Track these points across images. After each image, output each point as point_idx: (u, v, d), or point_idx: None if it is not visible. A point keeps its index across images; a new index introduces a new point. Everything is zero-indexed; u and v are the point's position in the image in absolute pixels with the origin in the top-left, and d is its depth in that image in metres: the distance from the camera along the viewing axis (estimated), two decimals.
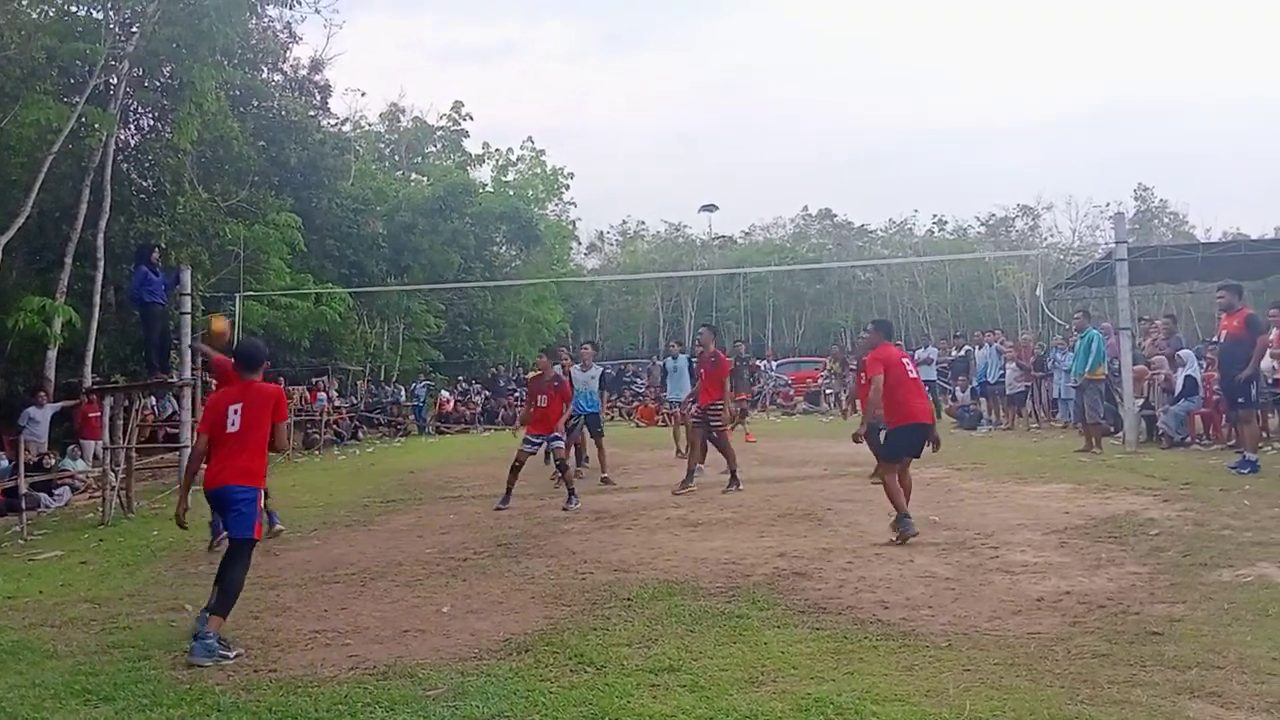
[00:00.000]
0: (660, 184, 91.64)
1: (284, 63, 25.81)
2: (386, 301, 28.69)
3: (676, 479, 11.15)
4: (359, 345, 28.72)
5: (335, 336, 26.23)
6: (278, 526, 8.54)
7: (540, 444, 10.43)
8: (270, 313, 21.06)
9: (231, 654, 5.01)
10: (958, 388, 19.79)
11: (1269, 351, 10.67)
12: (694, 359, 13.23)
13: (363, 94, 73.55)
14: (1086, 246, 47.53)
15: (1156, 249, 21.61)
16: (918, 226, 59.94)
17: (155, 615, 6.13)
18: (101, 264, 16.32)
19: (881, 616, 5.28)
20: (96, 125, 15.81)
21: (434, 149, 41.83)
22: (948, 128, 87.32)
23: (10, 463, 11.60)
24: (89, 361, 16.18)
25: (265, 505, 8.17)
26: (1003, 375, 17.85)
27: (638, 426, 23.35)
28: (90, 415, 14.55)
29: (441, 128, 41.15)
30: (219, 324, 9.01)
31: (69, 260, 15.97)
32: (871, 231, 61.04)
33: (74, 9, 17.06)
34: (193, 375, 12.93)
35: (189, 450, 11.07)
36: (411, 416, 26.48)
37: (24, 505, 10.49)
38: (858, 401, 12.46)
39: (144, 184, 19.46)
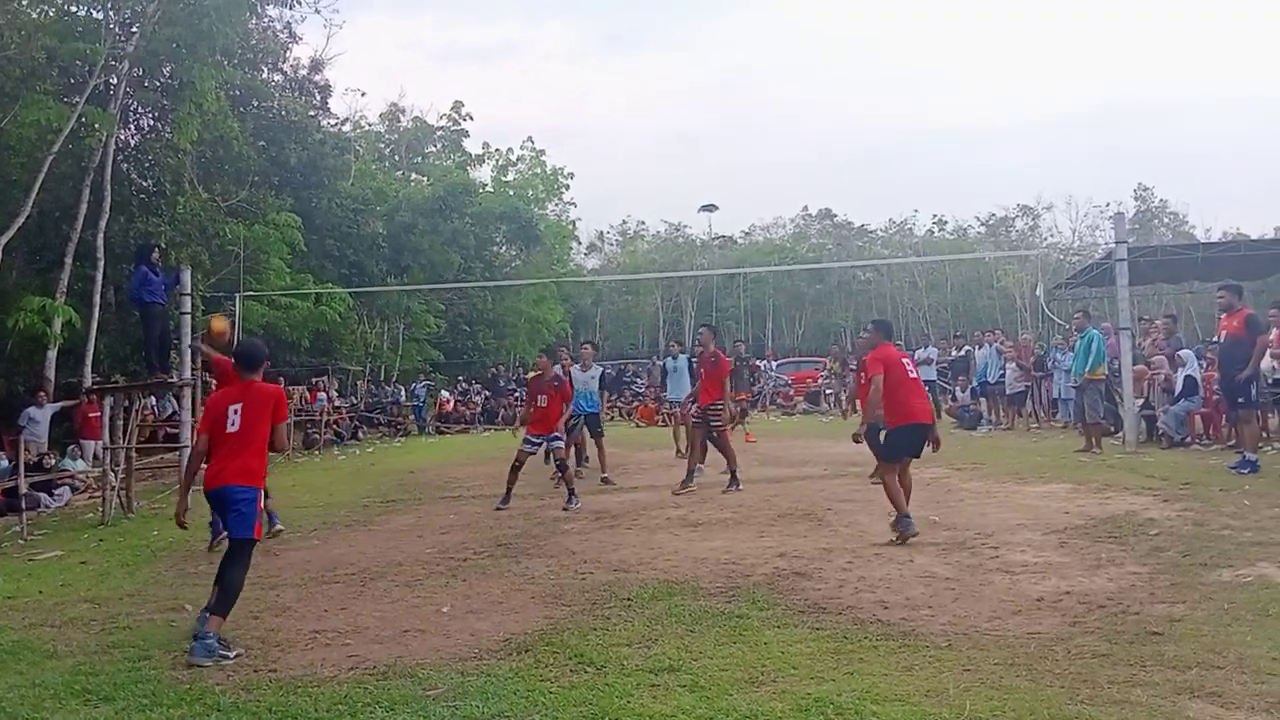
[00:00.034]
0: (660, 184, 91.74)
1: (284, 63, 25.84)
2: (386, 301, 28.69)
3: (676, 479, 11.14)
4: (359, 345, 28.72)
5: (335, 336, 26.24)
6: (277, 526, 8.54)
7: (540, 444, 10.43)
8: (270, 313, 21.08)
9: (231, 654, 5.01)
10: (958, 388, 19.79)
11: (1269, 351, 10.67)
12: (694, 359, 13.23)
13: (363, 94, 73.63)
14: (1086, 246, 47.61)
15: (1156, 249, 21.63)
16: (918, 226, 60.02)
17: (155, 615, 6.14)
18: (101, 264, 16.32)
19: (881, 616, 5.28)
20: (96, 125, 15.81)
21: (434, 149, 41.85)
22: (948, 128, 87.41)
23: (10, 463, 11.61)
24: (89, 361, 16.18)
25: (265, 505, 8.19)
26: (1003, 375, 17.85)
27: (638, 426, 23.35)
28: (90, 415, 14.55)
29: (441, 128, 41.18)
30: (219, 324, 9.01)
31: (69, 260, 15.97)
32: (871, 231, 61.11)
33: (74, 9, 17.07)
34: (193, 375, 12.92)
35: (188, 450, 11.09)
36: (411, 416, 26.48)
37: (24, 505, 10.49)
38: (858, 401, 12.49)
39: (144, 184, 19.47)
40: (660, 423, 21.37)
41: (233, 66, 19.46)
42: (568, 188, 47.05)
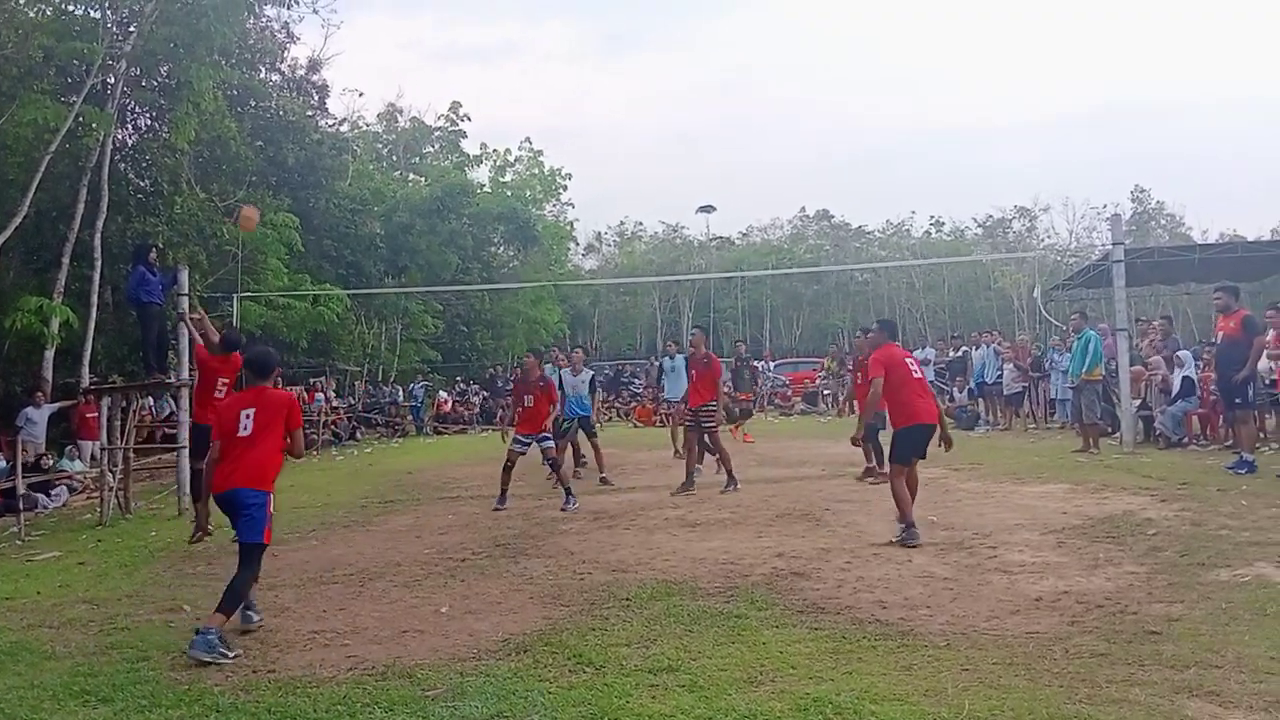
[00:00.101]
0: (659, 184, 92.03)
1: (282, 63, 25.84)
2: (384, 302, 28.68)
3: (674, 479, 11.15)
4: (357, 346, 28.71)
5: (333, 337, 26.22)
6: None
7: (529, 444, 10.42)
8: (268, 313, 21.06)
9: (230, 654, 5.01)
10: (955, 388, 19.82)
11: (1266, 352, 10.69)
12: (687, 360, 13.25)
13: (360, 94, 73.54)
14: (1083, 248, 47.73)
15: (1153, 250, 21.66)
16: (915, 228, 60.15)
17: (153, 616, 6.12)
18: (99, 264, 16.28)
19: (880, 616, 5.29)
20: (94, 125, 15.78)
21: (432, 149, 41.88)
22: (948, 128, 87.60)
23: (8, 463, 11.58)
24: (86, 362, 16.14)
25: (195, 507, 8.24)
26: (1000, 376, 17.89)
27: (635, 427, 23.36)
28: (88, 415, 14.53)
29: (439, 128, 41.22)
30: (249, 212, 8.77)
31: (66, 260, 15.94)
32: (869, 233, 61.22)
33: (71, 8, 17.02)
34: (189, 375, 12.91)
35: (186, 450, 11.08)
36: (409, 417, 26.47)
37: (21, 506, 10.46)
38: (855, 402, 12.51)
39: (141, 184, 19.42)
40: (658, 423, 21.39)
41: (230, 66, 19.42)
42: (565, 188, 47.20)
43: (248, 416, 5.58)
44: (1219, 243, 30.48)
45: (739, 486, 10.58)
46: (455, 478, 13.66)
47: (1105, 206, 50.55)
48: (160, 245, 14.77)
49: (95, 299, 16.30)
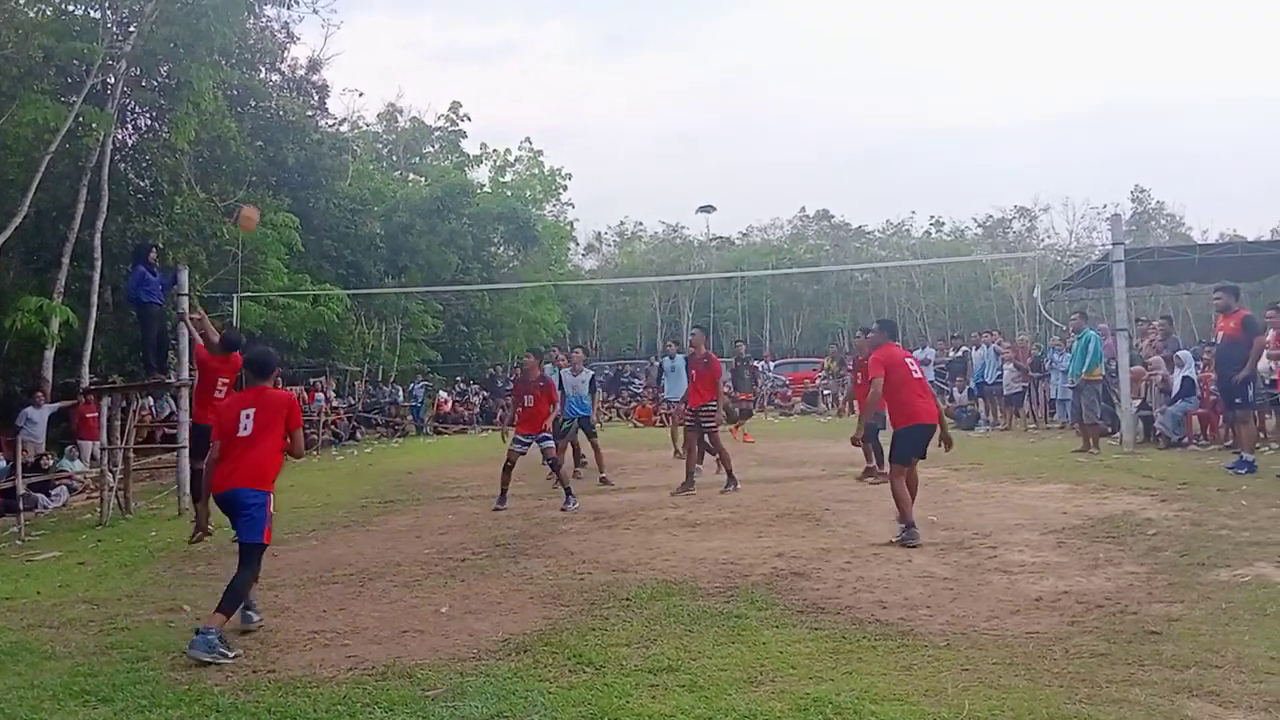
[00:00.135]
0: (659, 184, 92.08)
1: (282, 63, 25.83)
2: (384, 302, 28.68)
3: (674, 479, 11.15)
4: (357, 346, 28.71)
5: (333, 337, 26.22)
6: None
7: (528, 444, 10.41)
8: (268, 313, 21.06)
9: (230, 654, 5.01)
10: (955, 388, 19.82)
11: (1266, 352, 10.69)
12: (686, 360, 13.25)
13: (360, 94, 73.52)
14: (1083, 248, 47.74)
15: (1153, 250, 21.66)
16: (915, 228, 60.15)
17: (153, 616, 6.12)
18: (99, 264, 16.28)
19: (880, 616, 5.29)
20: (94, 125, 15.77)
21: (432, 149, 41.89)
22: (948, 128, 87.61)
23: (8, 463, 11.58)
24: (86, 362, 16.14)
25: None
26: (1000, 376, 17.89)
27: (635, 427, 23.36)
28: (88, 415, 14.53)
29: (439, 128, 41.22)
30: (249, 212, 8.82)
31: (66, 260, 15.94)
32: (869, 233, 61.23)
33: (71, 8, 17.02)
34: (189, 375, 12.91)
35: (186, 450, 11.08)
36: (409, 417, 26.47)
37: (21, 506, 10.46)
38: (855, 401, 12.51)
39: (141, 184, 19.42)
40: (658, 423, 21.38)
41: (230, 66, 19.41)
42: (565, 188, 47.20)
43: (248, 416, 5.59)
44: (1219, 243, 30.48)
45: (739, 486, 10.59)
46: (455, 478, 13.66)
47: (1105, 206, 50.63)
48: (160, 245, 14.77)
49: (95, 299, 16.30)
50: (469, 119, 41.04)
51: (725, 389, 20.00)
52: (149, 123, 19.94)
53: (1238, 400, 10.39)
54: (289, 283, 21.68)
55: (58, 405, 14.84)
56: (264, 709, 4.24)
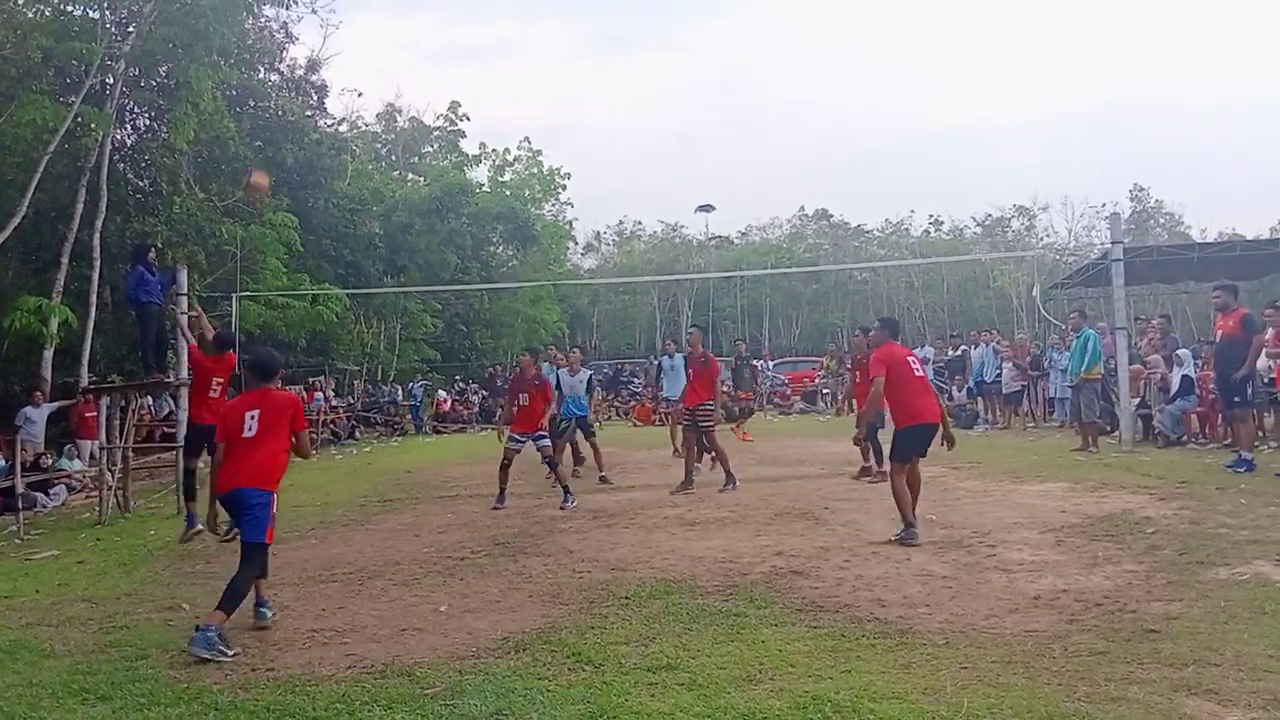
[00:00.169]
0: (658, 184, 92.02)
1: (280, 63, 25.82)
2: (383, 301, 28.68)
3: (673, 478, 11.16)
4: (356, 345, 28.70)
5: (332, 336, 26.21)
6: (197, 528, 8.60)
7: (523, 442, 10.42)
8: (267, 312, 21.05)
9: (229, 653, 5.01)
10: (954, 387, 19.82)
11: (1264, 351, 10.70)
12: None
13: (359, 94, 73.56)
14: (1082, 247, 47.66)
15: (1152, 249, 21.66)
16: (914, 227, 60.14)
17: (152, 614, 6.12)
18: (98, 264, 16.28)
19: (879, 615, 5.29)
20: (93, 125, 15.77)
21: (430, 149, 41.87)
22: (948, 128, 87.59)
23: (7, 462, 11.58)
24: (85, 361, 16.14)
25: (189, 507, 8.33)
26: (999, 375, 17.90)
27: (635, 426, 23.36)
28: (87, 415, 14.52)
29: (438, 128, 41.21)
30: (259, 180, 8.83)
31: (65, 260, 15.94)
32: (868, 232, 61.20)
33: (70, 8, 17.01)
34: (188, 375, 12.91)
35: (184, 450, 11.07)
36: (408, 416, 26.47)
37: (20, 505, 10.46)
38: (854, 400, 12.51)
39: (140, 184, 19.41)
40: (657, 422, 21.38)
41: (229, 66, 19.41)
42: (564, 188, 47.15)
43: (252, 418, 5.66)
44: (1218, 241, 30.51)
45: (737, 485, 10.59)
46: (454, 477, 13.66)
47: (1104, 205, 50.60)
48: (159, 245, 14.75)
49: (94, 299, 16.30)
50: (468, 119, 41.07)
51: (725, 388, 20.09)
52: (148, 123, 19.96)
53: (1236, 399, 10.39)
54: (288, 282, 21.67)
55: (57, 404, 14.85)
56: (263, 707, 4.24)
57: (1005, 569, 6.23)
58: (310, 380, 23.69)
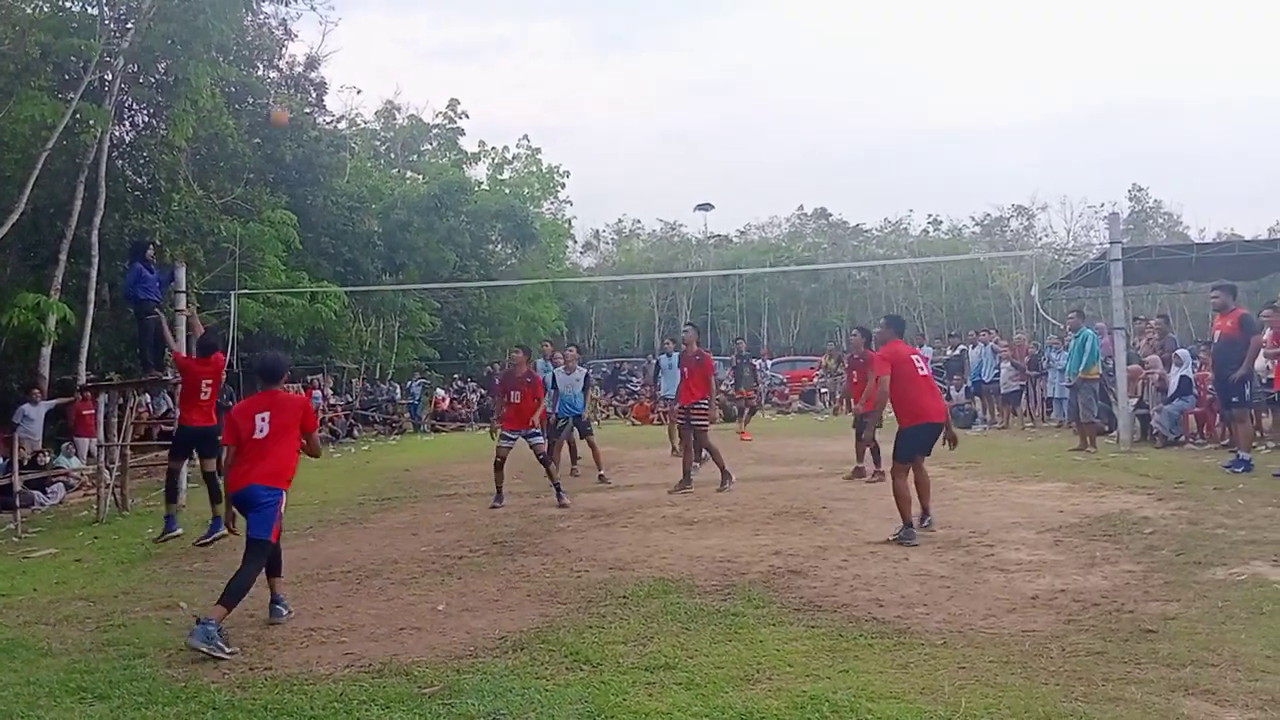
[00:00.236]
0: (658, 183, 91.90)
1: (279, 60, 25.77)
2: (382, 299, 28.64)
3: (671, 477, 11.16)
4: (354, 343, 28.67)
5: (330, 334, 26.17)
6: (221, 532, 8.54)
7: (515, 439, 10.41)
8: (265, 310, 21.00)
9: (228, 649, 5.01)
10: (952, 387, 19.82)
11: (1262, 351, 10.70)
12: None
13: (358, 91, 73.17)
14: (1081, 247, 47.71)
15: (1151, 249, 21.66)
16: (913, 226, 60.13)
17: (150, 613, 6.12)
18: (96, 261, 16.27)
19: (876, 614, 5.29)
20: (91, 121, 15.75)
21: (429, 147, 41.80)
22: (948, 128, 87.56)
23: (4, 460, 11.57)
24: (83, 359, 16.12)
25: (215, 511, 8.35)
26: (997, 374, 17.90)
27: (633, 425, 23.36)
28: (85, 413, 14.50)
29: (437, 125, 41.14)
30: (280, 116, 8.94)
31: (63, 257, 15.92)
32: (867, 231, 61.18)
33: (68, 4, 17.00)
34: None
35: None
36: (407, 414, 26.46)
37: (18, 503, 10.46)
38: (850, 399, 12.53)
39: (139, 181, 19.39)
40: (655, 421, 21.38)
41: (228, 63, 19.39)
42: (563, 186, 47.11)
43: (263, 419, 5.74)
44: (1216, 241, 30.53)
45: (734, 481, 10.60)
46: (452, 475, 13.66)
47: (1103, 205, 50.61)
48: (158, 242, 14.73)
49: (92, 296, 16.28)
50: (466, 116, 40.99)
51: (725, 387, 20.09)
52: (146, 120, 19.92)
53: (1234, 399, 10.41)
54: (286, 280, 21.61)
55: (54, 402, 14.83)
56: (260, 706, 4.24)
57: (1003, 569, 6.24)
58: (308, 378, 23.66)
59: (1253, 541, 6.57)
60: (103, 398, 12.25)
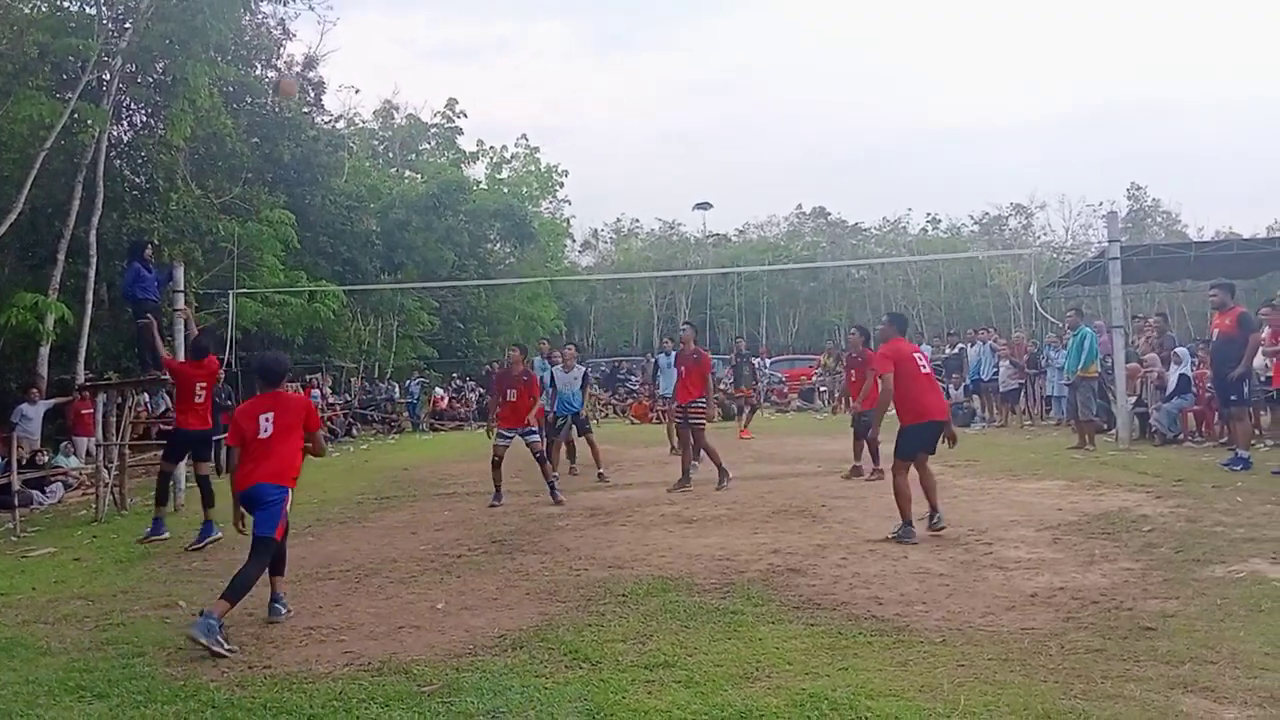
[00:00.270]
0: (657, 184, 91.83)
1: (278, 59, 25.74)
2: (380, 298, 28.64)
3: (670, 475, 11.16)
4: (353, 342, 28.67)
5: (329, 333, 26.18)
6: (217, 535, 8.55)
7: (512, 437, 10.41)
8: (264, 309, 20.99)
9: (226, 647, 5.01)
10: (951, 385, 19.82)
11: (1261, 349, 10.71)
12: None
13: (356, 91, 73.15)
14: (1080, 245, 47.81)
15: (1149, 247, 21.63)
16: (911, 225, 60.12)
17: (149, 612, 6.12)
18: (94, 260, 16.27)
19: (875, 612, 5.30)
20: (89, 121, 15.75)
21: (428, 146, 41.78)
22: (947, 128, 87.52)
23: (3, 460, 11.56)
24: (82, 358, 16.12)
25: (206, 515, 8.34)
26: (996, 373, 17.91)
27: (632, 424, 23.36)
28: (83, 412, 14.49)
29: (435, 125, 41.12)
30: (289, 86, 9.09)
31: (61, 257, 15.91)
32: (865, 230, 61.17)
33: (66, 4, 17.01)
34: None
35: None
36: (405, 414, 26.46)
37: (16, 502, 10.45)
38: (849, 397, 12.53)
39: (137, 180, 19.39)
40: (654, 419, 21.38)
41: (226, 63, 19.38)
42: (562, 185, 47.11)
43: (267, 419, 5.79)
44: (1215, 240, 30.47)
45: (732, 478, 10.61)
46: (451, 474, 13.66)
47: (1101, 204, 50.58)
48: (156, 242, 14.71)
49: (90, 296, 16.29)
50: (465, 116, 40.98)
51: (724, 386, 20.09)
52: (144, 119, 19.92)
53: (1233, 397, 10.42)
54: (285, 279, 21.60)
55: (53, 402, 14.81)
56: (260, 704, 4.24)
57: (1002, 567, 6.24)
58: (307, 378, 23.67)
59: (1251, 539, 6.58)
60: (101, 397, 12.24)
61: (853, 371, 11.73)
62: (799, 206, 63.25)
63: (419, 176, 37.87)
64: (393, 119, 41.07)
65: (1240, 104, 77.99)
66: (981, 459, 11.98)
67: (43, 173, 15.46)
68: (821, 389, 25.67)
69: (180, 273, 12.62)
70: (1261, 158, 75.45)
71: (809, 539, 7.50)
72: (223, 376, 14.01)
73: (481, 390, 28.24)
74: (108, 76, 16.85)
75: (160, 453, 14.26)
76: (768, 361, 30.91)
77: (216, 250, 19.91)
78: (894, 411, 7.72)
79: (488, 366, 30.99)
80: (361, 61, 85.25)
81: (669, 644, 4.84)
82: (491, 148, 44.15)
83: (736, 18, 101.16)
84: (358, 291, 25.93)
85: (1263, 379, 11.55)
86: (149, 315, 10.99)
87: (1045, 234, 55.20)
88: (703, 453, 11.20)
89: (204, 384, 9.44)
